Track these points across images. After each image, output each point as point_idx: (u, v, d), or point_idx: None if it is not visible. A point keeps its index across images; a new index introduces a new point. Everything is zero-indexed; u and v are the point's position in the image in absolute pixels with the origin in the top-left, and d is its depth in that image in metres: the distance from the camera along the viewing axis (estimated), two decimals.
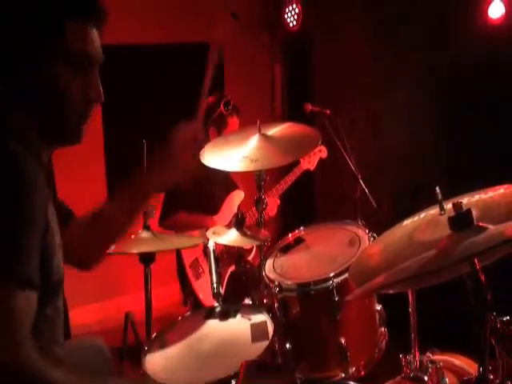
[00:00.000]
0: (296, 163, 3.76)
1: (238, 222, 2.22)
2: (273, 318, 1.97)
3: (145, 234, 2.27)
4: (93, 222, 1.71)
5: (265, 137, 2.32)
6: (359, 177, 3.77)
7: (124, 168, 1.71)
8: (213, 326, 2.04)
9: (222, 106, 3.44)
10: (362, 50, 4.72)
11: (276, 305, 2.05)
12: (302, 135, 2.35)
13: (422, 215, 1.88)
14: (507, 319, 1.75)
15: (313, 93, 4.95)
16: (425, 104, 4.37)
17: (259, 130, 2.33)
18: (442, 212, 1.73)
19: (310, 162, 3.79)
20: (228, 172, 3.66)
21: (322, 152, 3.83)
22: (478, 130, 3.98)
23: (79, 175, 4.38)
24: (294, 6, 4.84)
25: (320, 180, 5.00)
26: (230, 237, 2.22)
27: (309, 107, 3.78)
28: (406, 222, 1.81)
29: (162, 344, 2.01)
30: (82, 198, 4.13)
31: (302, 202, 4.94)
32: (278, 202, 3.65)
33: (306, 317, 2.06)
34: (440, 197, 1.76)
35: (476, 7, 4.07)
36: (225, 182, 3.60)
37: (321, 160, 3.87)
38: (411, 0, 4.37)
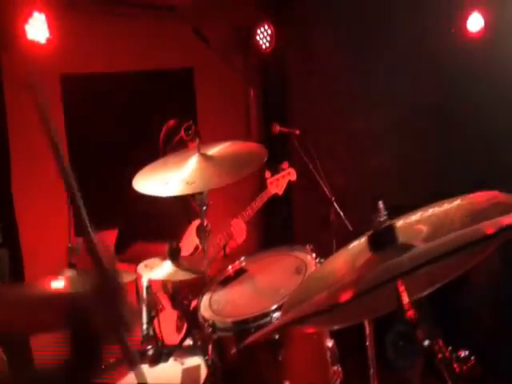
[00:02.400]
0: (263, 188, 3.56)
1: (172, 254, 1.99)
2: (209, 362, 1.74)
3: (69, 273, 2.04)
4: None
5: (205, 157, 2.12)
6: (332, 199, 3.59)
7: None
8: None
9: (182, 131, 3.26)
10: (338, 70, 4.55)
11: (210, 347, 1.81)
12: (246, 153, 2.15)
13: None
14: (465, 355, 1.50)
15: (289, 115, 4.77)
16: (406, 122, 4.21)
17: (198, 150, 2.12)
18: None
19: (277, 186, 3.58)
20: (189, 199, 3.48)
21: (290, 175, 3.62)
22: (460, 142, 3.84)
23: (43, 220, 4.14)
24: (266, 27, 4.68)
25: (298, 202, 4.80)
26: (164, 270, 1.99)
27: (277, 128, 3.60)
28: (353, 244, 1.59)
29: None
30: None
31: (280, 225, 4.72)
32: (245, 227, 3.42)
33: (245, 359, 1.81)
34: (383, 212, 1.54)
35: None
36: (185, 210, 3.38)
37: (292, 183, 3.67)
38: (387, 15, 4.22)
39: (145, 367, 1.82)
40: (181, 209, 3.35)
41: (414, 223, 1.50)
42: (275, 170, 3.62)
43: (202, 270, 2.02)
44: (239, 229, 3.38)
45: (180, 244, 3.26)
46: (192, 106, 4.74)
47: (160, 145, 3.31)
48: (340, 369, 1.90)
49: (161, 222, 3.23)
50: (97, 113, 4.33)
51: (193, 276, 2.14)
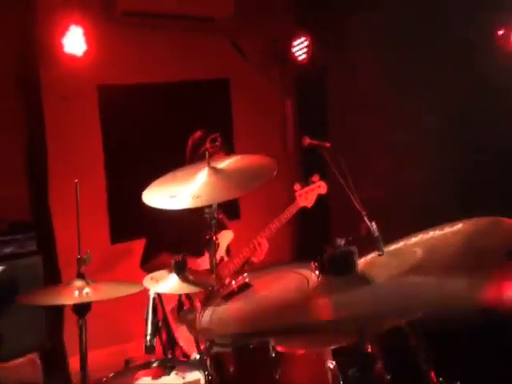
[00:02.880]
0: (291, 201, 3.51)
1: (178, 267, 1.96)
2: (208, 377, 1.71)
3: (79, 283, 2.04)
4: None
5: (214, 170, 2.09)
6: (363, 214, 3.49)
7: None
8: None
9: (208, 143, 3.25)
10: (376, 82, 4.46)
11: (209, 362, 1.78)
12: (255, 167, 2.11)
13: (370, 256, 1.60)
14: None
15: (326, 127, 4.70)
16: (445, 134, 4.08)
17: (208, 164, 2.10)
18: (380, 253, 1.45)
19: (307, 199, 3.53)
20: (214, 212, 3.47)
21: (321, 188, 3.57)
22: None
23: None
24: (303, 38, 4.65)
25: (334, 213, 4.73)
26: (170, 283, 1.97)
27: (306, 141, 3.54)
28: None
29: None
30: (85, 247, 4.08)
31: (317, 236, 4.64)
32: (267, 245, 3.38)
33: (243, 376, 1.77)
34: (376, 234, 1.49)
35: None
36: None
37: (323, 196, 3.61)
38: (427, 28, 4.12)
39: (147, 379, 1.80)
40: (206, 220, 3.34)
41: (412, 246, 1.45)
42: (305, 183, 3.58)
43: (208, 284, 1.99)
44: (261, 247, 3.35)
45: (205, 255, 3.30)
46: (228, 118, 4.74)
47: (186, 156, 3.31)
48: None
49: (186, 234, 3.22)
50: (133, 123, 4.39)
51: (198, 289, 2.11)
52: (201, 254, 3.29)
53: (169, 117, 4.51)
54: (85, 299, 1.99)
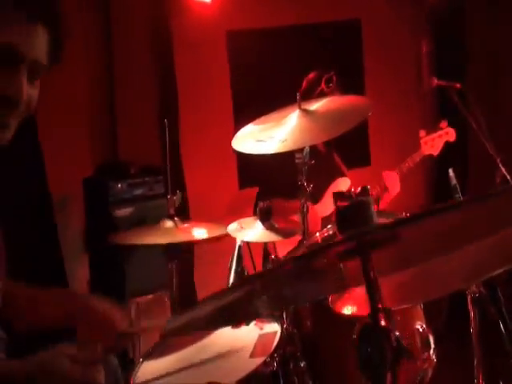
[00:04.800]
0: (416, 148, 3.27)
1: (263, 214, 1.90)
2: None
3: (168, 224, 2.07)
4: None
5: (305, 112, 1.98)
6: (498, 160, 3.17)
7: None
8: (221, 333, 1.80)
9: (323, 83, 3.11)
10: None
11: (285, 316, 1.72)
12: (348, 107, 1.96)
13: None
14: None
15: (465, 70, 4.30)
16: None
17: (299, 106, 1.98)
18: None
19: (433, 146, 3.28)
20: (333, 157, 3.36)
21: (448, 135, 3.28)
22: None
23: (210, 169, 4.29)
24: None
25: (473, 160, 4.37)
26: (255, 231, 1.92)
27: (434, 81, 3.27)
28: None
29: (164, 350, 1.82)
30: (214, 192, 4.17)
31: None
32: (398, 177, 3.18)
33: (320, 332, 1.69)
34: (454, 182, 1.32)
35: None
36: (329, 168, 3.26)
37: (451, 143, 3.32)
38: None
39: (228, 328, 1.79)
40: (325, 167, 3.24)
41: None
42: (432, 129, 3.32)
43: (293, 233, 1.91)
44: (392, 180, 3.16)
45: (321, 202, 3.22)
46: (359, 59, 4.51)
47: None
48: (433, 356, 1.67)
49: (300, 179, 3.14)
50: (261, 68, 4.34)
51: (284, 237, 2.04)
52: (317, 201, 3.21)
53: (298, 61, 4.37)
54: (167, 240, 2.00)
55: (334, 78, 3.12)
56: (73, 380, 1.21)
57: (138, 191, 3.67)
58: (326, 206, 3.17)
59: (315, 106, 1.99)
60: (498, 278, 1.23)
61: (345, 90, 3.13)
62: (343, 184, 3.27)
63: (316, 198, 3.21)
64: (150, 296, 3.64)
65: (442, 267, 1.04)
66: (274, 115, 2.07)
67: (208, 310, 1.03)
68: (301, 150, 1.98)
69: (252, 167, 4.42)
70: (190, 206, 4.15)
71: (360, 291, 1.54)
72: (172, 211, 2.08)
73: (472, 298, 1.62)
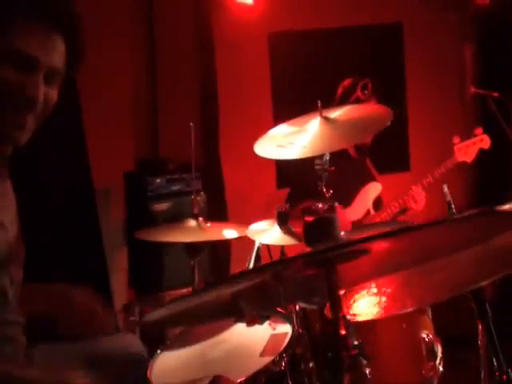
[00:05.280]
0: (449, 155, 3.27)
1: (281, 218, 1.96)
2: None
3: (192, 223, 2.15)
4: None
5: (326, 120, 2.03)
6: None
7: None
8: (236, 330, 1.87)
9: (358, 90, 3.15)
10: None
11: (295, 317, 1.78)
12: (368, 116, 2.00)
13: None
14: None
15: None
16: None
17: (320, 113, 2.03)
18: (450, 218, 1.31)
19: (466, 153, 3.26)
20: (365, 162, 3.38)
21: (483, 142, 3.26)
22: None
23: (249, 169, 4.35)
24: None
25: None
26: (273, 234, 1.98)
27: (472, 90, 3.25)
28: None
29: (182, 343, 1.91)
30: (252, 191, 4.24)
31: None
32: (424, 194, 3.23)
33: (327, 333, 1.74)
34: (448, 199, 1.35)
35: None
36: (360, 172, 3.30)
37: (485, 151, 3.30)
38: None
39: (242, 325, 1.86)
40: (356, 171, 3.28)
41: None
42: (466, 136, 3.30)
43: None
44: (418, 196, 3.21)
45: (351, 206, 3.25)
46: (400, 64, 4.50)
47: (334, 105, 3.23)
48: (439, 365, 1.70)
49: (333, 183, 3.18)
50: (301, 70, 4.38)
51: (300, 242, 2.09)
52: (347, 205, 3.25)
53: (338, 63, 4.40)
54: (188, 238, 2.09)
55: (370, 85, 3.15)
56: None
57: (176, 187, 3.78)
58: (357, 210, 3.21)
59: (336, 113, 2.04)
60: (486, 292, 1.26)
61: (381, 96, 3.16)
62: (374, 189, 3.30)
63: (347, 201, 3.25)
64: (184, 290, 3.73)
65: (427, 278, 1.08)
66: (296, 121, 2.13)
67: (188, 305, 1.09)
68: (321, 156, 2.03)
69: (288, 168, 4.52)
70: (228, 205, 4.25)
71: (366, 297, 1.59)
72: (196, 211, 2.16)
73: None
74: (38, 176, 3.16)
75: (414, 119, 4.53)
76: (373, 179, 3.32)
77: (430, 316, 1.73)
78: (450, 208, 1.37)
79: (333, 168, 2.06)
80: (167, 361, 1.82)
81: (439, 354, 1.71)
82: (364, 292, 1.24)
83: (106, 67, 3.68)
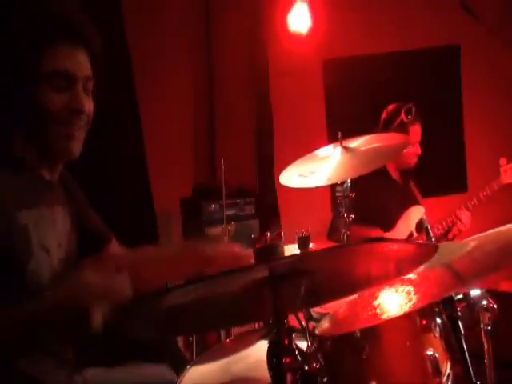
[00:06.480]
0: (496, 177, 3.25)
1: (302, 243, 2.05)
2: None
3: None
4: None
5: (346, 149, 2.13)
6: None
7: None
8: (258, 347, 1.98)
9: (402, 114, 3.22)
10: None
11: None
12: (385, 144, 2.08)
13: None
14: None
15: None
16: None
17: (341, 143, 2.13)
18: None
19: None
20: (408, 185, 3.42)
21: None
22: None
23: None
24: None
25: None
26: None
27: None
28: None
29: (210, 358, 2.04)
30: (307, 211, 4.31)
31: None
32: (470, 216, 3.27)
33: (337, 354, 1.82)
34: (426, 225, 1.43)
35: None
36: (403, 196, 3.33)
37: None
38: None
39: (264, 342, 1.97)
40: (399, 194, 3.32)
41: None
42: None
43: None
44: (465, 219, 3.25)
45: (394, 229, 3.29)
46: (456, 87, 4.48)
47: (379, 130, 3.30)
48: (447, 382, 1.74)
49: (377, 206, 3.25)
50: (356, 95, 4.43)
51: None
52: (390, 228, 3.29)
53: (393, 88, 4.43)
54: None
55: (413, 110, 3.21)
56: (97, 289, 1.31)
57: (230, 212, 3.93)
58: (399, 234, 3.24)
59: (356, 143, 2.13)
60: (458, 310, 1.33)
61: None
62: (416, 212, 3.31)
63: (390, 224, 3.29)
64: None
65: None
66: (319, 152, 2.24)
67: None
68: (341, 183, 2.12)
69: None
70: (283, 229, 4.35)
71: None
72: (226, 240, 2.29)
73: (485, 331, 1.68)
74: (103, 198, 3.40)
75: (471, 141, 4.50)
76: (416, 202, 3.35)
77: (438, 335, 1.77)
78: (427, 234, 1.44)
79: (353, 194, 2.14)
80: (195, 375, 1.96)
81: (447, 371, 1.75)
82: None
83: (167, 94, 3.91)
